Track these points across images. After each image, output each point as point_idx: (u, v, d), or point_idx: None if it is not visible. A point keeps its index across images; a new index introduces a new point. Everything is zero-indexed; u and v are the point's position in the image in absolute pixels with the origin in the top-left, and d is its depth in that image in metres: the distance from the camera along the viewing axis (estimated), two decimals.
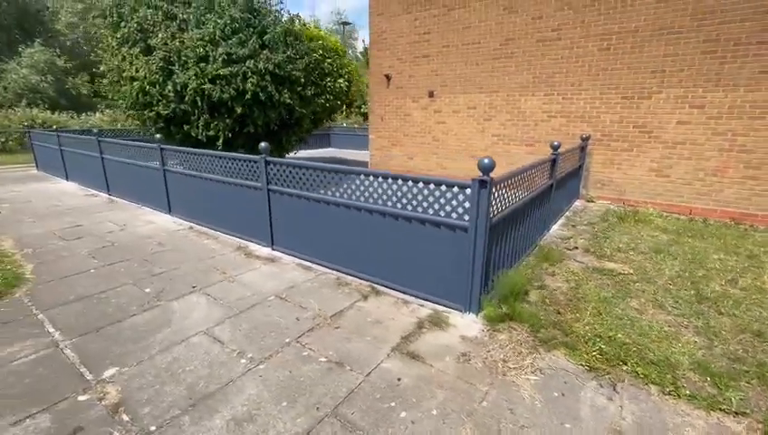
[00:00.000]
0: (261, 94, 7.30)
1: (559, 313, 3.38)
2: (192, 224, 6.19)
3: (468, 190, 3.23)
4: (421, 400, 2.47)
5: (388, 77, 10.66)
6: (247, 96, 7.13)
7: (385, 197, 3.80)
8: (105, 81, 8.17)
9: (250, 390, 2.55)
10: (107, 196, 8.22)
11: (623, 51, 7.38)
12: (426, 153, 10.48)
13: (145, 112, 7.55)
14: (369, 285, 4.06)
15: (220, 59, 6.92)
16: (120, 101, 7.72)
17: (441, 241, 3.49)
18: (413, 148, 10.70)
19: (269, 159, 4.74)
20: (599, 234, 5.60)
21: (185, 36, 7.00)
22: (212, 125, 7.53)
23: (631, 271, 4.22)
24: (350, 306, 3.66)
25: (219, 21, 7.14)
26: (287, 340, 3.11)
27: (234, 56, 7.06)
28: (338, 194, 4.19)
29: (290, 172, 4.60)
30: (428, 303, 3.69)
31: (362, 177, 3.94)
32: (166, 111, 7.22)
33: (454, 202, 3.34)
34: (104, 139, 7.95)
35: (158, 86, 7.16)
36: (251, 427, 2.25)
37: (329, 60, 10.05)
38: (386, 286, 3.99)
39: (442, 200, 3.41)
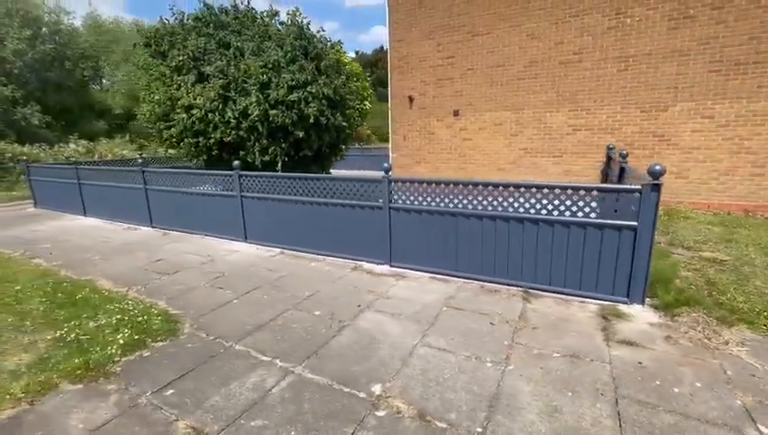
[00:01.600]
0: (321, 118, 7.45)
1: (711, 295, 3.89)
2: (281, 249, 6.12)
3: (636, 194, 3.69)
4: (678, 377, 2.80)
5: (410, 99, 11.17)
6: (311, 120, 7.24)
7: (538, 205, 4.16)
8: (147, 110, 7.83)
9: (525, 387, 2.74)
10: (151, 228, 7.80)
11: (639, 71, 8.44)
12: (452, 169, 11.01)
13: (200, 140, 7.35)
14: (520, 289, 4.35)
15: (285, 85, 7.00)
16: (172, 129, 7.44)
17: (604, 242, 3.89)
18: (438, 164, 11.20)
19: (393, 178, 4.95)
20: (665, 230, 6.32)
21: (247, 63, 7.01)
22: (270, 150, 7.52)
23: (728, 257, 4.88)
24: (523, 309, 3.93)
25: (280, 49, 7.25)
26: (505, 342, 3.32)
27: (294, 82, 7.18)
28: (480, 207, 4.48)
29: (416, 189, 4.83)
30: (588, 299, 4.05)
31: (511, 188, 4.28)
32: (227, 138, 7.10)
33: (621, 205, 3.77)
34: (150, 169, 7.61)
35: (217, 113, 7.06)
36: (562, 416, 2.46)
37: (356, 83, 10.38)
38: (537, 289, 4.30)
39: (606, 204, 3.83)
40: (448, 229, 4.72)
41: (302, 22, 8.09)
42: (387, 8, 11.09)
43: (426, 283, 4.72)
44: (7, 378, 2.89)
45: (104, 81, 39.87)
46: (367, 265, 5.34)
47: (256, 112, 6.93)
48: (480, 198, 4.46)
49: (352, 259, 5.52)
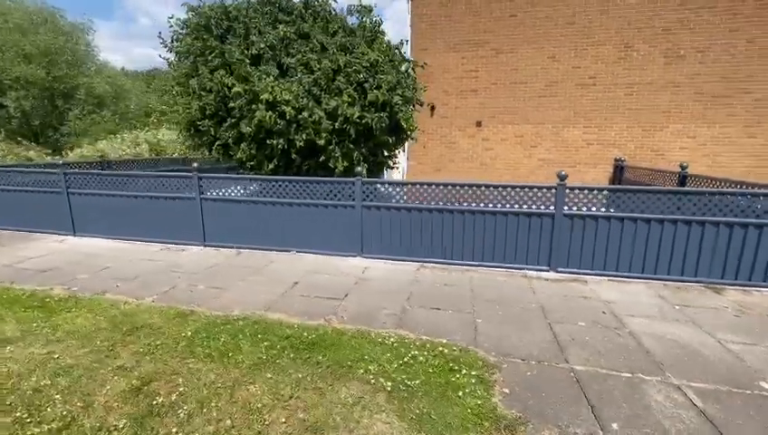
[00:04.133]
0: (410, 122, 7.08)
1: None
2: (419, 262, 5.64)
3: None
4: None
5: (432, 108, 11.28)
6: (403, 124, 6.83)
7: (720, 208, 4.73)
8: (196, 106, 6.27)
9: None
10: (202, 247, 6.36)
11: (643, 96, 10.07)
12: (473, 177, 11.41)
13: (278, 142, 6.24)
14: (701, 285, 4.84)
15: (384, 87, 6.46)
16: (242, 128, 6.12)
17: None
18: (459, 173, 11.49)
19: (571, 185, 5.05)
20: None
21: (346, 59, 6.25)
22: (354, 155, 6.83)
23: None
24: (735, 301, 4.42)
25: (369, 48, 6.65)
26: None
27: (390, 85, 6.69)
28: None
29: (596, 196, 5.03)
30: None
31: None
32: (319, 140, 6.20)
33: None
34: (209, 175, 6.24)
35: (305, 112, 6.14)
36: None
37: None
38: (717, 283, 4.85)
39: None
40: (628, 235, 5.00)
41: (376, 21, 7.61)
42: (409, 17, 11.07)
43: (613, 286, 4.90)
44: None
45: None
46: (531, 273, 5.30)
47: (356, 114, 6.25)
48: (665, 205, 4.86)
49: (511, 267, 5.41)
